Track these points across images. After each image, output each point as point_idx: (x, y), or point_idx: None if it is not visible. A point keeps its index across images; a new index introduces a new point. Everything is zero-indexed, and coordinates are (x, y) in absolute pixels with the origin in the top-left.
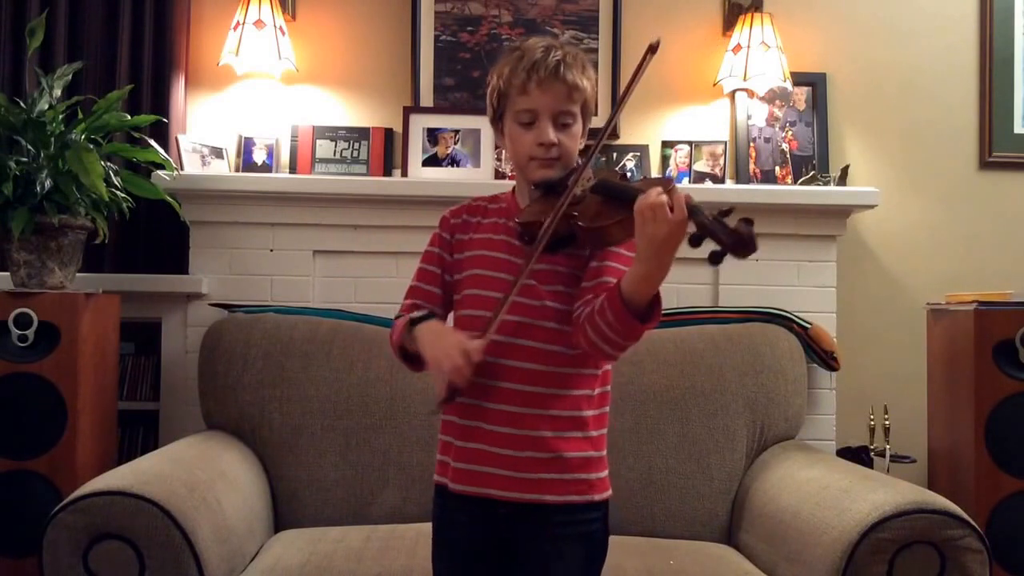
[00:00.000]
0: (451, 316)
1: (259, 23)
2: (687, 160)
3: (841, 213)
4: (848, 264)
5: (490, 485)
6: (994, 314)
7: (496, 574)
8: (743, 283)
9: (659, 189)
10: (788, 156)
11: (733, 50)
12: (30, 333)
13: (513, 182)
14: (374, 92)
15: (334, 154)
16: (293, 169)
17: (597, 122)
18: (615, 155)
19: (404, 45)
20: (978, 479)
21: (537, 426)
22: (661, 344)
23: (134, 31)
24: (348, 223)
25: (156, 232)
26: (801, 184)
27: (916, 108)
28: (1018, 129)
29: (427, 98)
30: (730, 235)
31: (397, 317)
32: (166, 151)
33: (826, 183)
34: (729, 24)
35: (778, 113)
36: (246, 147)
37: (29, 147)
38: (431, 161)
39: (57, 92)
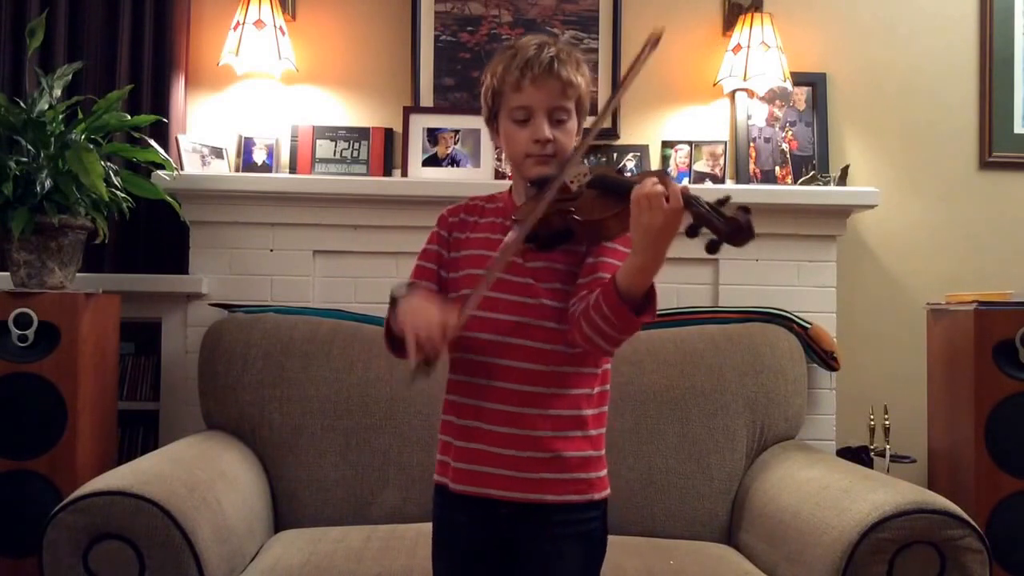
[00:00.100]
0: None
1: (259, 23)
2: (687, 160)
3: (841, 213)
4: (848, 264)
5: (491, 485)
6: (994, 314)
7: (496, 574)
8: (743, 283)
9: (654, 179)
10: (788, 156)
11: (733, 50)
12: (30, 333)
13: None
14: (374, 92)
15: (334, 154)
16: (293, 169)
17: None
18: (615, 155)
19: (404, 45)
20: (978, 479)
21: (537, 426)
22: (661, 344)
23: (134, 31)
24: (348, 223)
25: (156, 232)
26: (801, 184)
27: (916, 108)
28: (1018, 129)
29: (427, 98)
30: (727, 223)
31: None
32: (166, 151)
33: (826, 183)
34: (729, 24)
35: (778, 113)
36: (246, 147)
37: (29, 147)
38: (431, 161)
39: (57, 92)
